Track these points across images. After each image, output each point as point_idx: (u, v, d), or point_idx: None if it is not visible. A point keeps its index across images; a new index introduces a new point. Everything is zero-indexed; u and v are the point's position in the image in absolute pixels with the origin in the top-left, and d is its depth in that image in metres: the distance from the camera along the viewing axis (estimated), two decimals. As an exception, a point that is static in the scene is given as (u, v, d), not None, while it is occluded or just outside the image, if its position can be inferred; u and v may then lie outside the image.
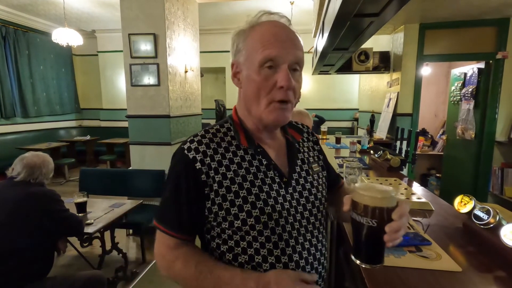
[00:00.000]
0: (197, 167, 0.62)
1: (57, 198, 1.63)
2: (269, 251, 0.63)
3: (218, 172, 0.63)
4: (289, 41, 0.62)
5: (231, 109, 0.74)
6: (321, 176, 0.77)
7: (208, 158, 0.63)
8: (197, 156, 0.63)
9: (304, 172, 0.72)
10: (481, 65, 3.13)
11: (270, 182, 0.65)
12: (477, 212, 0.96)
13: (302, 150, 0.76)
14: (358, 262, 0.56)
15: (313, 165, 0.76)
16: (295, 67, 0.63)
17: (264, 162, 0.67)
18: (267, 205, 0.63)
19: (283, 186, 0.67)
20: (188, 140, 0.66)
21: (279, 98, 0.61)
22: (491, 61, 3.01)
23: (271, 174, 0.66)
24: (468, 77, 3.35)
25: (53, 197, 1.61)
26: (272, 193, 0.64)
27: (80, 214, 1.97)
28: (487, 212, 0.92)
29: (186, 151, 0.64)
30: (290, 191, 0.67)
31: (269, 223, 0.62)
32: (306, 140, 0.81)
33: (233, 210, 0.62)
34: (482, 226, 0.92)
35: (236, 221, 0.62)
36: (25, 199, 1.51)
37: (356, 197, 0.54)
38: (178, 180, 0.64)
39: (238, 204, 0.62)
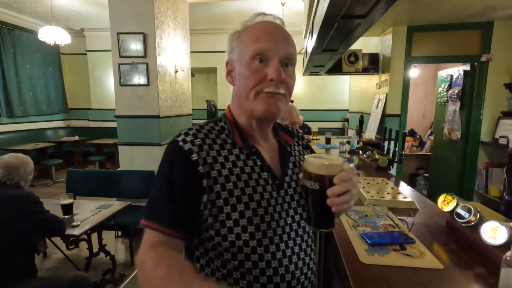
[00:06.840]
0: (193, 158, 0.60)
1: (34, 199, 1.63)
2: (260, 256, 0.61)
3: (213, 168, 0.61)
4: (281, 37, 0.63)
5: (222, 110, 0.73)
6: None
7: (204, 153, 0.61)
8: (193, 148, 0.61)
9: (295, 176, 0.71)
10: (467, 67, 3.21)
11: (263, 183, 0.64)
12: (459, 210, 0.98)
13: (293, 154, 0.75)
14: (308, 227, 0.61)
15: None
16: (287, 62, 0.63)
17: (258, 163, 0.66)
18: (260, 206, 0.61)
19: (276, 188, 0.66)
20: (183, 132, 0.64)
21: (268, 90, 0.61)
22: (476, 64, 3.08)
23: (265, 175, 0.65)
24: (454, 79, 3.43)
25: (31, 199, 1.61)
26: (266, 195, 0.63)
27: (65, 216, 1.93)
28: (468, 211, 0.94)
29: (181, 143, 0.61)
30: (282, 194, 0.66)
31: (261, 225, 0.61)
32: (296, 144, 0.80)
33: (226, 208, 0.60)
34: (463, 224, 0.95)
35: (228, 221, 0.59)
36: (2, 201, 1.52)
37: (305, 165, 0.59)
38: (172, 171, 0.60)
39: (232, 203, 0.60)
